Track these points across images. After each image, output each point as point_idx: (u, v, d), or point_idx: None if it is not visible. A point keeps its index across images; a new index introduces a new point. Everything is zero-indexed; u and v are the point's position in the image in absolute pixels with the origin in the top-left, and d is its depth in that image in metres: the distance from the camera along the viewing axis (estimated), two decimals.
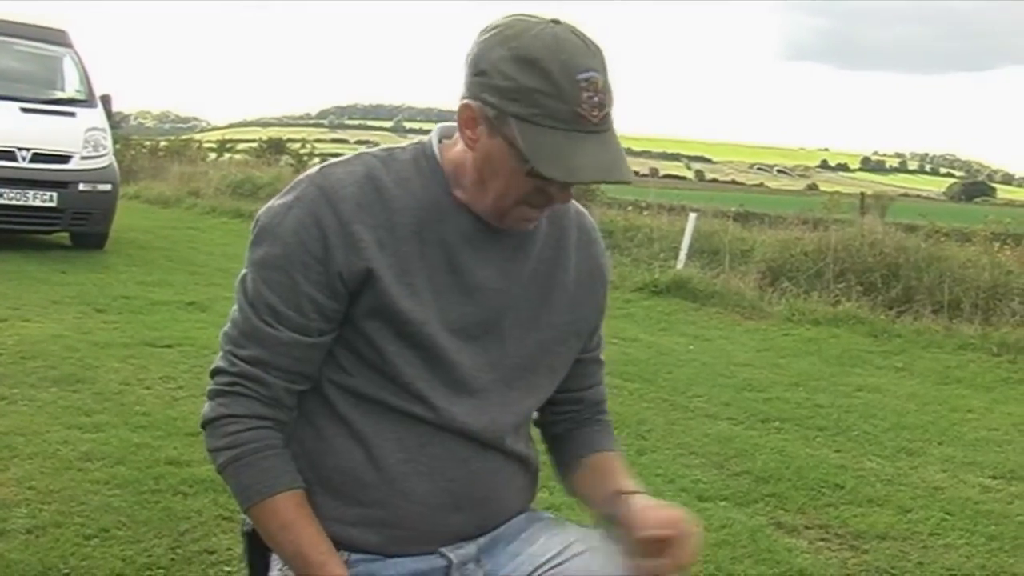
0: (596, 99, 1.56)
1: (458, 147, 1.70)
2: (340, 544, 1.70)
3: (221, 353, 1.74)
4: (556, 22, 1.59)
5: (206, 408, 1.74)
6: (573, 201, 1.86)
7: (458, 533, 1.77)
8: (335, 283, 1.66)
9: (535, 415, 1.99)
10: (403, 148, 1.78)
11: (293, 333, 1.67)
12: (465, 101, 1.62)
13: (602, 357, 2.02)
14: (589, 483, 1.90)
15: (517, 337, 1.78)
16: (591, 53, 1.58)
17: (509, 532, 1.84)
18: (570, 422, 1.99)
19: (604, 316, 1.97)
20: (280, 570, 1.79)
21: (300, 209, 1.67)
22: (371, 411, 1.71)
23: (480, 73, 1.60)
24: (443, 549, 1.76)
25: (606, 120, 1.59)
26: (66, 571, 3.37)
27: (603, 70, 1.58)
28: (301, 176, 1.74)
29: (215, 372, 1.74)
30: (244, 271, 1.72)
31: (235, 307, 1.73)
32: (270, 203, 1.73)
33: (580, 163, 1.57)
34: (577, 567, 1.75)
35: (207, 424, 1.73)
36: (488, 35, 1.61)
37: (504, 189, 1.64)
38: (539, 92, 1.55)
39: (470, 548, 1.78)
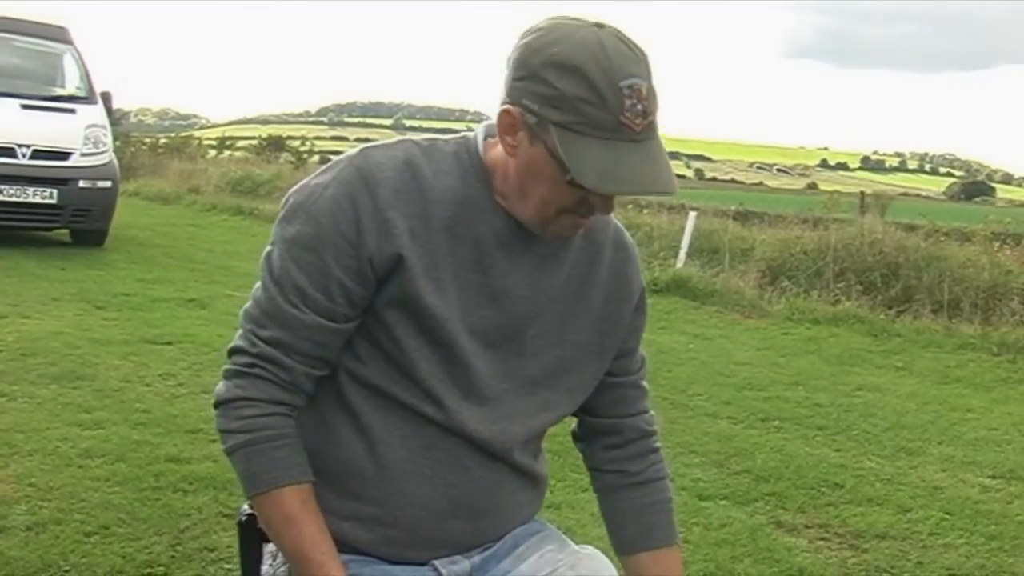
0: (640, 107, 1.51)
1: (500, 148, 1.65)
2: (332, 540, 1.66)
3: (240, 332, 1.68)
4: (600, 26, 1.54)
5: (221, 388, 1.67)
6: (614, 219, 1.83)
7: (453, 542, 1.74)
8: (365, 268, 1.61)
9: (581, 455, 1.98)
10: (447, 140, 1.73)
11: (318, 317, 1.62)
12: (506, 106, 1.57)
13: (644, 384, 1.96)
14: None
15: (538, 350, 1.74)
16: (636, 59, 1.53)
17: (503, 547, 1.81)
18: (621, 475, 1.92)
19: (637, 337, 1.92)
20: (271, 564, 1.77)
21: (337, 189, 1.62)
22: (380, 404, 1.67)
23: (521, 78, 1.55)
24: (436, 562, 1.73)
25: (650, 128, 1.53)
26: (66, 568, 3.37)
27: (648, 76, 1.53)
28: (340, 157, 1.70)
29: (233, 351, 1.68)
30: (270, 248, 1.67)
31: (258, 285, 1.67)
32: (305, 181, 1.68)
33: (622, 174, 1.52)
34: None
35: (221, 404, 1.67)
36: (530, 38, 1.56)
37: (546, 197, 1.59)
38: (581, 100, 1.50)
39: (463, 564, 1.75)
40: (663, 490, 1.94)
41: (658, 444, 1.96)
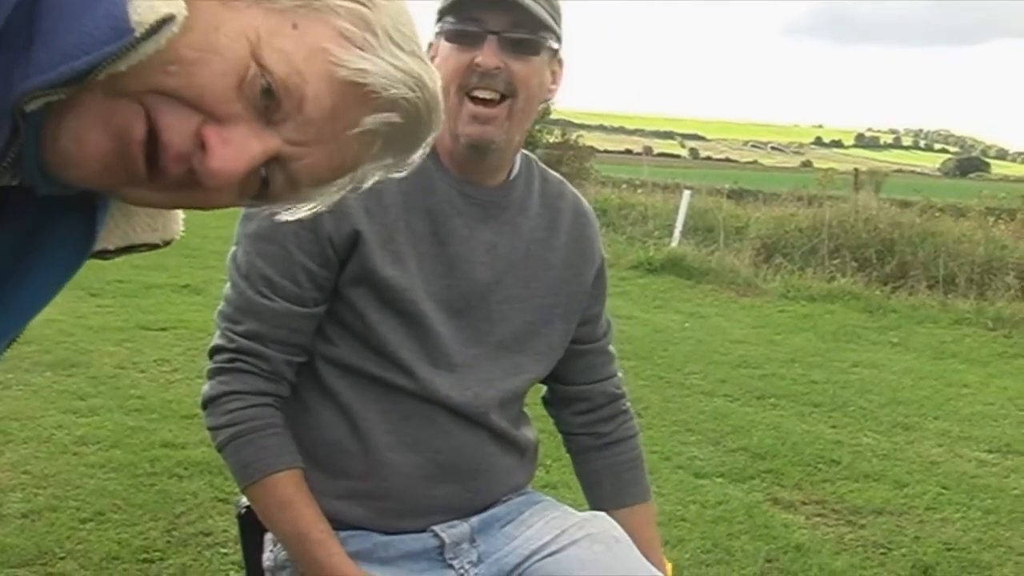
0: None
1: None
2: (329, 519, 1.68)
3: (218, 332, 1.72)
4: None
5: (206, 388, 1.72)
6: (571, 187, 1.90)
7: (447, 506, 1.76)
8: (326, 250, 1.66)
9: (554, 420, 2.04)
10: None
11: (288, 303, 1.66)
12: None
13: (610, 349, 2.02)
14: None
15: (505, 314, 1.78)
16: None
17: (505, 513, 1.82)
18: (592, 437, 2.00)
19: (600, 303, 1.96)
20: (272, 551, 1.79)
21: None
22: (355, 383, 1.71)
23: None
24: (435, 528, 1.74)
25: None
26: (62, 555, 3.36)
27: None
28: None
29: (213, 351, 1.73)
30: (234, 248, 1.72)
31: (228, 285, 1.72)
32: None
33: None
34: (573, 555, 1.74)
35: (208, 403, 1.71)
36: None
37: (448, 80, 1.63)
38: None
39: (463, 527, 1.77)
40: (634, 448, 2.03)
41: (627, 405, 2.05)
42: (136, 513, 3.72)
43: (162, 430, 4.64)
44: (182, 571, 3.34)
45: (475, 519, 1.79)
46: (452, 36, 1.65)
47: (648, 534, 1.95)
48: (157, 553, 3.43)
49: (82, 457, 4.25)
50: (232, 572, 3.34)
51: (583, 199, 1.94)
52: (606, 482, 2.00)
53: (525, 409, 1.92)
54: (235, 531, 3.55)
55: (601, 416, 2.00)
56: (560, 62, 1.76)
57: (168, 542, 3.52)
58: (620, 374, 2.04)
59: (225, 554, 3.45)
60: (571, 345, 1.91)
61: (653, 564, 1.79)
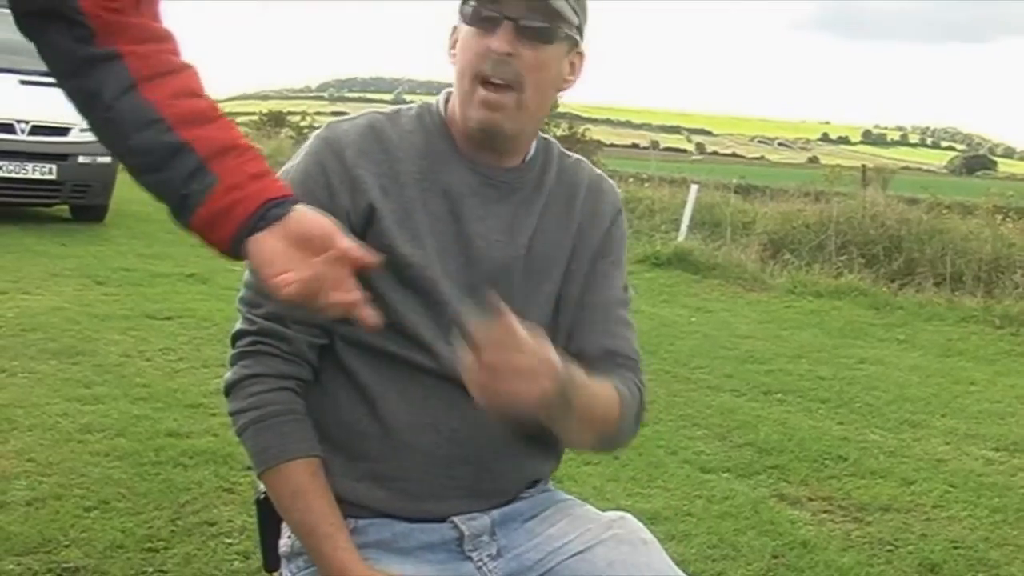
0: None
1: (455, 102, 1.74)
2: (347, 503, 1.68)
3: (240, 318, 1.72)
4: None
5: (228, 374, 1.71)
6: (590, 165, 1.89)
7: (468, 487, 1.73)
8: (344, 225, 1.61)
9: None
10: (409, 107, 1.81)
11: None
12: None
13: (622, 313, 1.85)
14: None
15: (525, 292, 1.75)
16: None
17: (528, 508, 1.80)
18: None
19: (603, 258, 1.82)
20: (289, 537, 1.78)
21: (306, 160, 1.71)
22: (374, 362, 1.70)
23: None
24: (455, 519, 1.73)
25: None
26: (66, 543, 3.35)
27: None
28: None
29: (236, 336, 1.72)
30: None
31: (246, 271, 1.71)
32: (286, 166, 1.75)
33: None
34: (600, 555, 1.71)
35: (231, 388, 1.70)
36: None
37: (464, 65, 1.67)
38: None
39: (483, 520, 1.75)
40: (619, 387, 1.76)
41: (632, 366, 1.84)
42: (141, 502, 3.71)
43: (167, 419, 4.64)
44: (186, 560, 3.32)
45: (496, 512, 1.77)
46: (470, 19, 1.66)
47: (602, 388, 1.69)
48: (161, 542, 3.42)
49: (87, 445, 4.24)
50: (236, 562, 3.33)
51: (603, 176, 1.90)
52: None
53: None
54: (240, 520, 3.56)
55: (593, 365, 1.71)
56: (581, 55, 1.75)
57: (172, 531, 3.51)
58: (634, 344, 1.86)
59: (230, 544, 3.44)
60: (572, 308, 1.80)
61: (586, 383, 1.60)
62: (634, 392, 1.81)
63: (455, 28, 1.73)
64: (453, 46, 1.73)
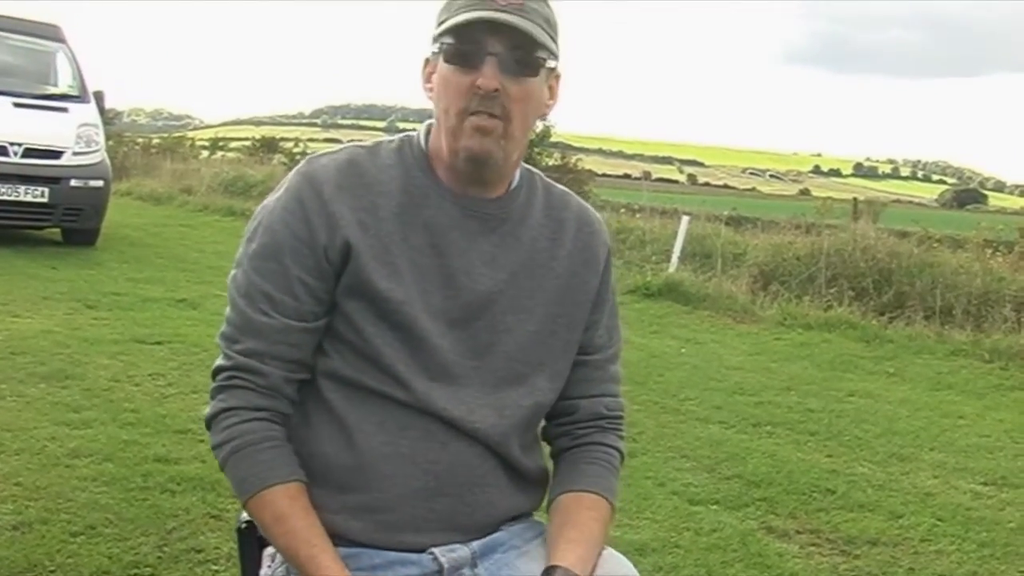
0: None
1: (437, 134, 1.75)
2: (330, 535, 1.67)
3: (220, 354, 1.74)
4: None
5: (207, 408, 1.74)
6: (577, 197, 1.90)
7: (447, 520, 1.73)
8: (322, 262, 1.68)
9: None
10: (391, 140, 1.82)
11: (287, 319, 1.69)
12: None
13: (611, 367, 1.91)
14: (551, 530, 1.78)
15: (508, 326, 1.76)
16: None
17: (508, 539, 1.80)
18: (568, 438, 1.88)
19: (600, 310, 1.88)
20: (269, 567, 1.78)
21: (286, 196, 1.73)
22: (353, 395, 1.71)
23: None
24: (435, 550, 1.72)
25: (519, 7, 1.64)
26: (52, 568, 3.34)
27: None
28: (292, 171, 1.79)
29: (215, 372, 1.74)
30: (235, 271, 1.74)
31: (228, 307, 1.74)
32: (265, 200, 1.77)
33: (471, 15, 1.64)
34: None
35: (209, 423, 1.73)
36: None
37: (448, 102, 1.68)
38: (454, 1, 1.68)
39: (463, 551, 1.74)
40: (607, 452, 1.87)
41: (618, 426, 1.91)
42: (128, 528, 3.70)
43: (155, 444, 4.63)
44: None
45: (476, 544, 1.76)
46: (452, 57, 1.67)
47: (592, 528, 1.76)
48: (148, 569, 3.41)
49: (74, 470, 4.23)
50: None
51: (590, 209, 1.91)
52: (562, 469, 1.87)
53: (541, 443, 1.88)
54: (227, 548, 3.54)
55: (581, 425, 1.87)
56: (558, 77, 1.77)
57: (159, 558, 3.49)
58: (621, 399, 1.93)
59: (216, 571, 3.43)
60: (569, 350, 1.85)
61: (590, 563, 1.69)
62: (615, 463, 1.89)
63: (427, 61, 1.74)
64: (428, 79, 1.74)
